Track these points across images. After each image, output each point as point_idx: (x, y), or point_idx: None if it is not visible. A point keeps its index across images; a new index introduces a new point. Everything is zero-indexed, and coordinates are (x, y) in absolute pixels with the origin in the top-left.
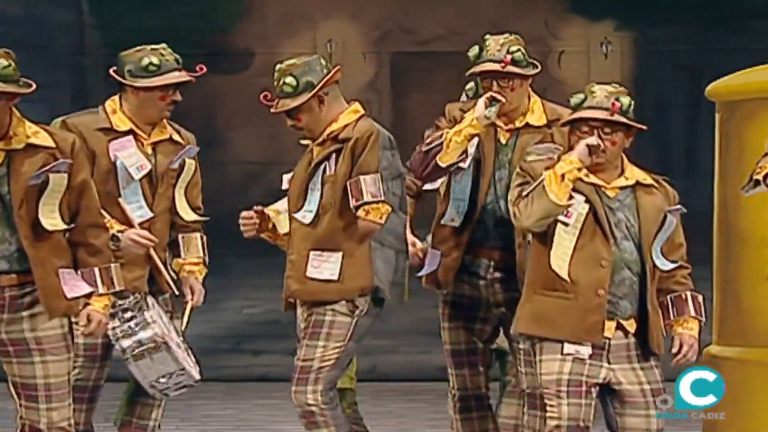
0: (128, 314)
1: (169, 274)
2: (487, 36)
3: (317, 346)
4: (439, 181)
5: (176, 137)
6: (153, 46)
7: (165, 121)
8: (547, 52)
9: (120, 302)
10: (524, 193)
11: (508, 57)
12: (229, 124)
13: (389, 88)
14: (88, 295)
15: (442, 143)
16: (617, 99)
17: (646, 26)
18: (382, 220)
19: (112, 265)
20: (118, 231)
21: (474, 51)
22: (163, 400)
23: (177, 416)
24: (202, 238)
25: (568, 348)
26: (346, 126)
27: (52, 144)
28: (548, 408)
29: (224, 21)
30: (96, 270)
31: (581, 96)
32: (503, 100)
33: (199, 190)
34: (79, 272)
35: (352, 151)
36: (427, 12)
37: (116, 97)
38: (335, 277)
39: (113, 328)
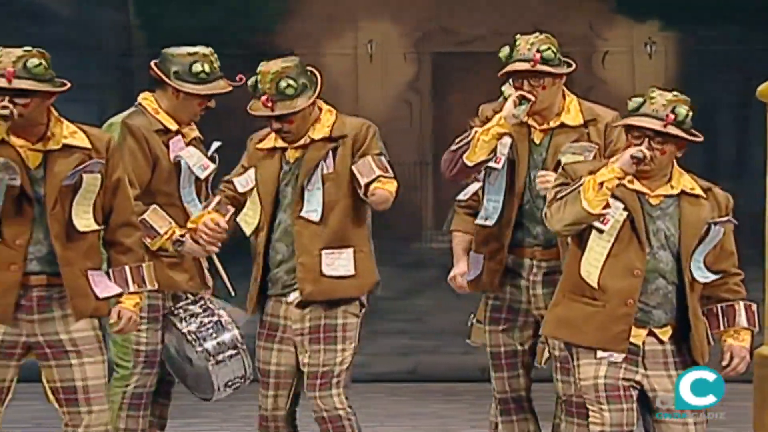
0: (201, 318)
1: (228, 276)
2: (518, 36)
3: (336, 350)
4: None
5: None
6: (203, 51)
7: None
8: (591, 53)
9: (183, 306)
10: (559, 196)
11: (537, 55)
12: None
13: (430, 89)
14: (119, 296)
15: (469, 142)
16: (673, 110)
17: (692, 26)
18: (394, 194)
19: (144, 264)
20: (181, 235)
21: (504, 51)
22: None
23: (219, 417)
24: None
25: (602, 352)
26: (333, 125)
27: (87, 144)
28: (590, 414)
29: (267, 21)
30: (126, 268)
31: (640, 100)
32: (532, 99)
33: None
34: (110, 271)
35: (352, 145)
36: (468, 12)
37: (149, 95)
38: (351, 272)
39: (188, 332)
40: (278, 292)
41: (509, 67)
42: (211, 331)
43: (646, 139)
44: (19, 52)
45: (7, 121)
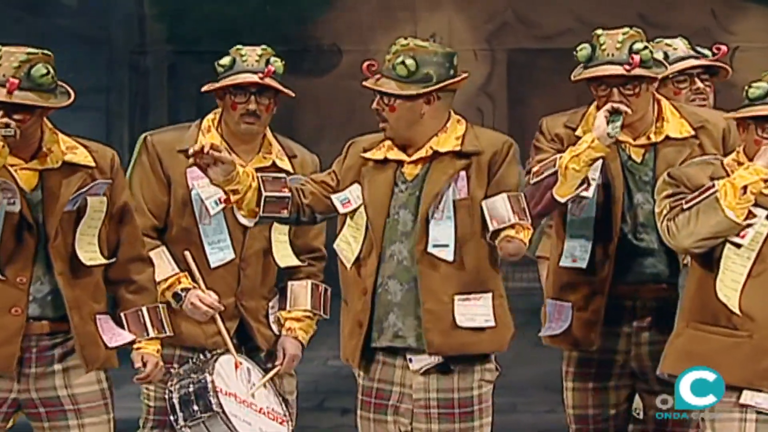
0: (191, 377)
1: (232, 340)
2: (600, 31)
3: (473, 427)
4: None
5: (282, 163)
6: (243, 49)
7: (275, 141)
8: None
9: (183, 366)
10: (686, 206)
11: (636, 57)
12: (314, 133)
13: (506, 93)
14: (131, 344)
15: (555, 172)
16: None
17: None
18: (528, 244)
19: (160, 305)
20: (183, 289)
21: (584, 51)
22: None
23: None
24: (314, 286)
25: (748, 397)
26: (463, 137)
27: (91, 162)
28: None
29: (308, 11)
30: (144, 310)
31: (765, 86)
32: (627, 111)
33: (320, 229)
34: (122, 314)
35: (488, 166)
36: (553, 0)
37: (219, 110)
38: (492, 323)
39: (170, 392)
40: (386, 344)
41: (597, 71)
42: (189, 393)
43: None
44: (21, 55)
45: (8, 141)
